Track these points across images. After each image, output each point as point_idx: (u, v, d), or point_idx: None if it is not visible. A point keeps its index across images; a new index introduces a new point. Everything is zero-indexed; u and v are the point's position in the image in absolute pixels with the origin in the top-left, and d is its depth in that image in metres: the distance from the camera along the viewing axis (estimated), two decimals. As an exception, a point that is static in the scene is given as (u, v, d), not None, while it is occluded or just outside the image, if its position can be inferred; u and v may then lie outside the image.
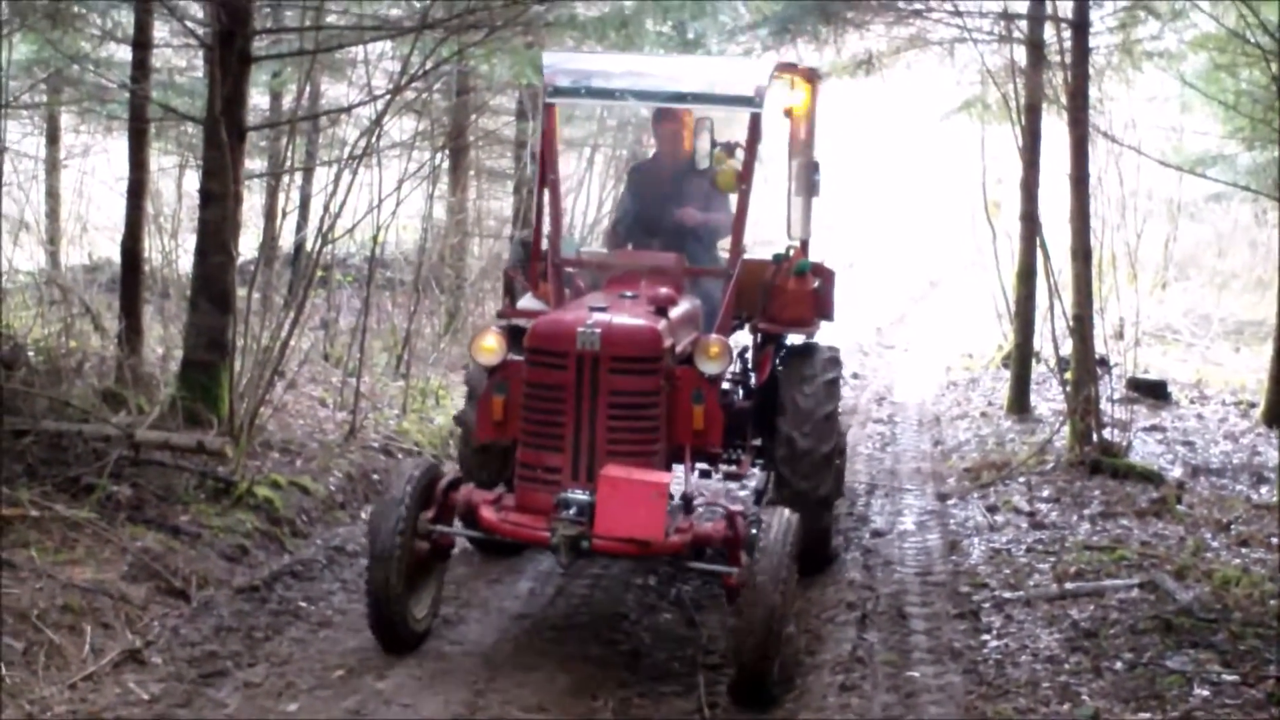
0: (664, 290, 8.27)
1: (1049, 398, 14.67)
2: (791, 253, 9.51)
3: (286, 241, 17.16)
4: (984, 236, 15.12)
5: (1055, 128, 13.26)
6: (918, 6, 13.08)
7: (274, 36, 12.63)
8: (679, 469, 8.03)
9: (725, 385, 8.92)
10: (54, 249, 17.79)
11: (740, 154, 8.76)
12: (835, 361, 9.31)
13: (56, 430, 9.15)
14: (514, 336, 8.10)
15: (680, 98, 8.74)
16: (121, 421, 9.52)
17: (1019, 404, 14.23)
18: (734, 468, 9.39)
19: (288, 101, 17.83)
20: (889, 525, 10.28)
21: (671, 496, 7.25)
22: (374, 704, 6.93)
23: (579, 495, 7.12)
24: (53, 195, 18.37)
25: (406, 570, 7.36)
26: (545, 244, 8.91)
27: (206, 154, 10.72)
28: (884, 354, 20.40)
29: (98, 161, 18.29)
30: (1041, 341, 14.78)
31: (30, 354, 10.12)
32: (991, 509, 10.49)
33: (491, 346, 7.88)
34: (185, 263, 14.25)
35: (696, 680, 7.44)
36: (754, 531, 7.16)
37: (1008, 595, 8.38)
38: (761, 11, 14.26)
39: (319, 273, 16.40)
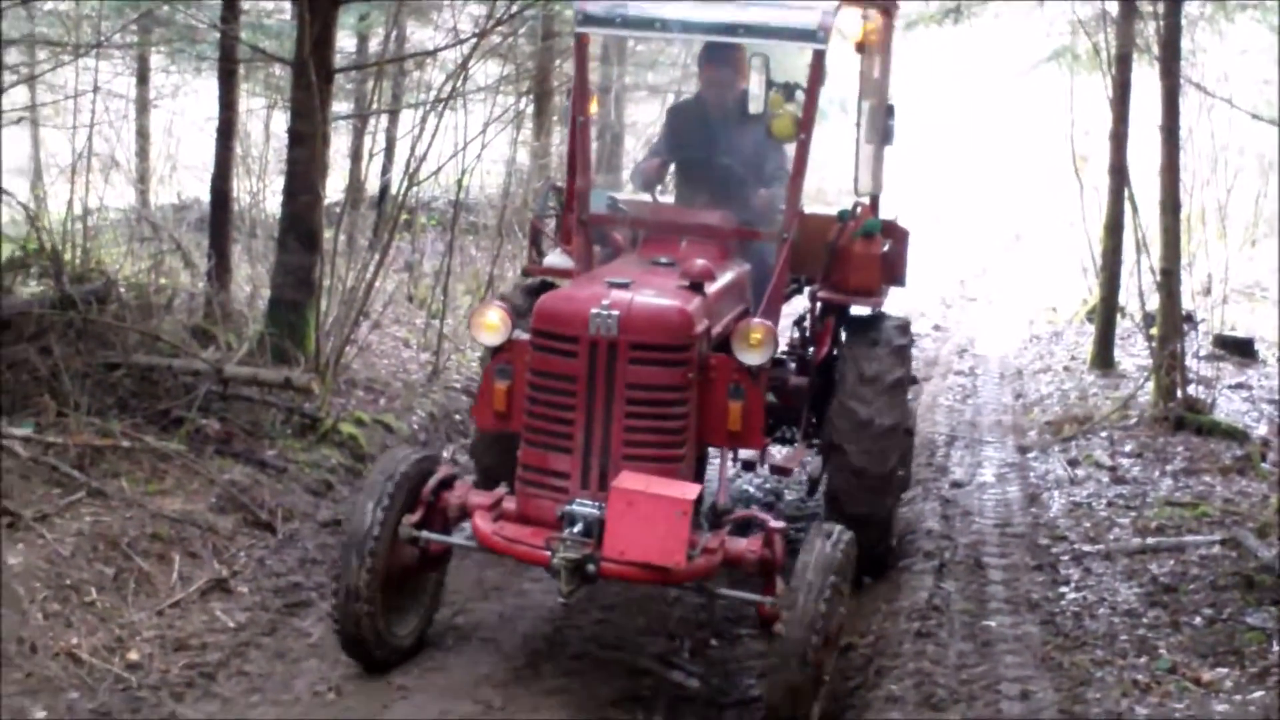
0: (700, 261, 6.93)
1: (1133, 353, 14.51)
2: (859, 210, 8.42)
3: (373, 184, 17.26)
4: (1071, 189, 14.93)
5: (1146, 79, 13.08)
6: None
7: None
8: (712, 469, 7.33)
9: (780, 356, 8.14)
10: (144, 188, 18.03)
11: (800, 97, 7.60)
12: (904, 330, 8.27)
13: (147, 364, 9.31)
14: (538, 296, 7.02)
15: (731, 29, 7.42)
16: (210, 357, 9.67)
17: (1103, 358, 14.08)
18: (781, 455, 8.35)
19: (375, 44, 17.94)
20: (968, 476, 10.24)
21: (700, 505, 6.20)
22: (449, 638, 7.06)
23: (587, 508, 6.11)
24: (143, 135, 18.59)
25: (386, 580, 6.43)
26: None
27: (295, 95, 10.82)
28: (966, 306, 20.24)
29: (187, 102, 18.48)
30: (1127, 296, 14.61)
31: (121, 289, 10.26)
32: (1072, 463, 10.42)
33: (494, 323, 6.76)
34: (272, 203, 14.45)
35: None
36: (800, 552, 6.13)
37: (1087, 548, 8.36)
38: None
39: (404, 216, 16.61)
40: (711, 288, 6.92)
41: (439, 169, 12.36)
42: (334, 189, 15.73)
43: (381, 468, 6.60)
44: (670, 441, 6.40)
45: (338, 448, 9.57)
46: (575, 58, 7.76)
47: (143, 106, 18.79)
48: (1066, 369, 14.45)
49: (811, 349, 8.44)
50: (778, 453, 8.50)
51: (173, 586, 7.29)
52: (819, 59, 7.19)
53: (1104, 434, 11.15)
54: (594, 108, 8.19)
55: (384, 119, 17.53)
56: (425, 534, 6.53)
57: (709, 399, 6.61)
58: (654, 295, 6.59)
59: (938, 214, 28.16)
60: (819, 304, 8.41)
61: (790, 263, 7.55)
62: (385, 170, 17.42)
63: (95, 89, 15.22)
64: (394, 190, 13.37)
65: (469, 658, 6.88)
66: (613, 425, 6.29)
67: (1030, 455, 10.87)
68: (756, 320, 6.71)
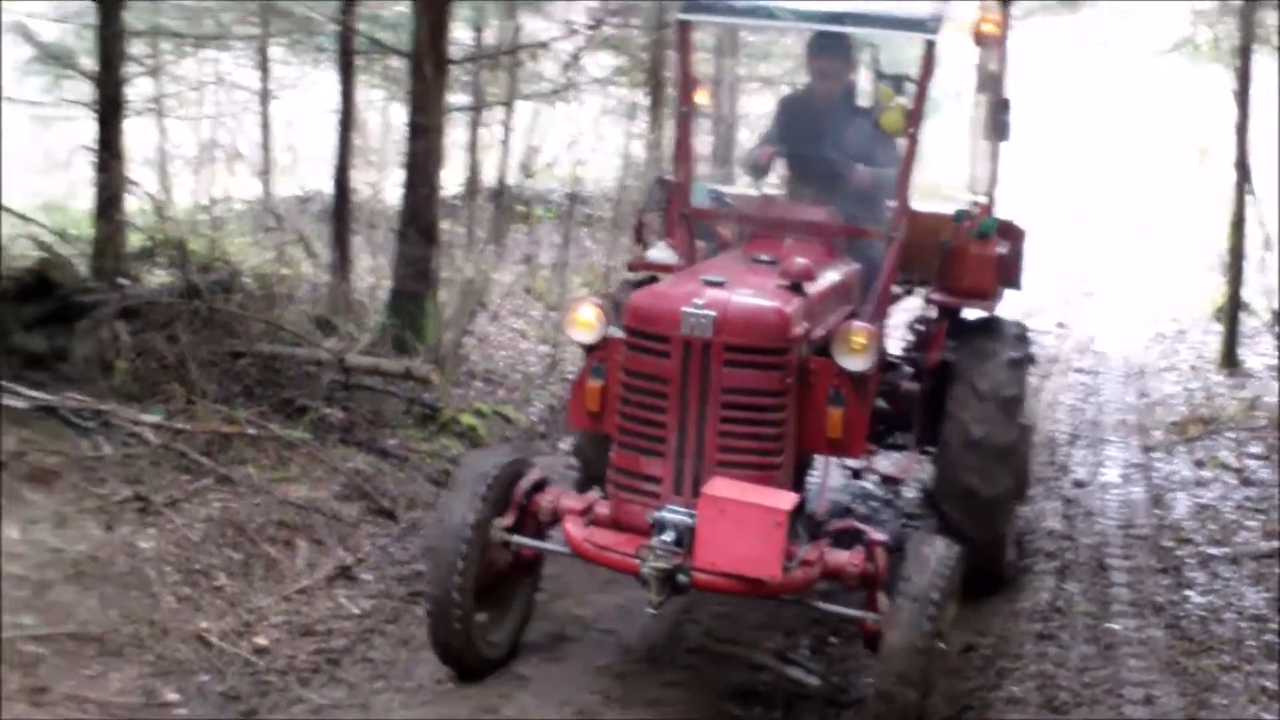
0: (800, 260, 6.50)
1: (1261, 352, 14.22)
2: (975, 209, 8.00)
3: (490, 176, 17.40)
4: (1195, 182, 14.66)
5: (1268, 70, 12.81)
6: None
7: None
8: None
9: (894, 359, 7.91)
10: (267, 179, 18.33)
11: (910, 90, 7.33)
12: (1022, 339, 7.90)
13: (271, 353, 9.45)
14: None
15: (839, 19, 7.22)
16: (333, 346, 9.79)
17: (1229, 358, 13.82)
18: (891, 464, 8.04)
19: (489, 36, 18.07)
20: (1090, 476, 10.10)
21: (800, 513, 5.96)
22: (572, 628, 7.09)
23: (678, 515, 5.83)
24: (265, 127, 18.89)
25: (476, 585, 6.22)
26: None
27: (413, 87, 10.91)
28: (1089, 302, 19.92)
29: (307, 94, 18.73)
30: (1255, 294, 14.34)
31: (246, 279, 10.43)
32: (1198, 464, 10.25)
33: (588, 320, 6.47)
34: (392, 195, 14.60)
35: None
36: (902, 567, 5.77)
37: (1213, 551, 8.22)
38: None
39: (520, 208, 16.74)
40: (813, 288, 6.57)
41: (552, 161, 12.41)
42: (453, 181, 15.88)
43: (471, 469, 6.38)
44: (766, 448, 6.07)
45: (457, 438, 9.66)
46: (678, 47, 7.59)
47: (264, 98, 19.12)
48: (1193, 368, 14.20)
49: (924, 353, 8.04)
50: (888, 460, 8.19)
51: (299, 573, 7.39)
52: (930, 50, 6.92)
53: (1230, 435, 10.95)
54: (703, 99, 8.01)
55: (500, 111, 17.68)
56: (517, 538, 6.33)
57: (808, 404, 6.28)
58: (751, 295, 6.24)
59: (1058, 208, 27.71)
60: (932, 306, 8.04)
61: (902, 263, 7.35)
62: (502, 162, 17.59)
63: (218, 80, 15.56)
64: (510, 182, 13.54)
65: (588, 648, 6.89)
66: (706, 429, 5.99)
67: (1155, 455, 10.69)
68: (858, 324, 6.30)
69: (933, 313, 8.00)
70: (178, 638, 6.43)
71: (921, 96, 7.04)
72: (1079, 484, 9.84)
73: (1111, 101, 31.39)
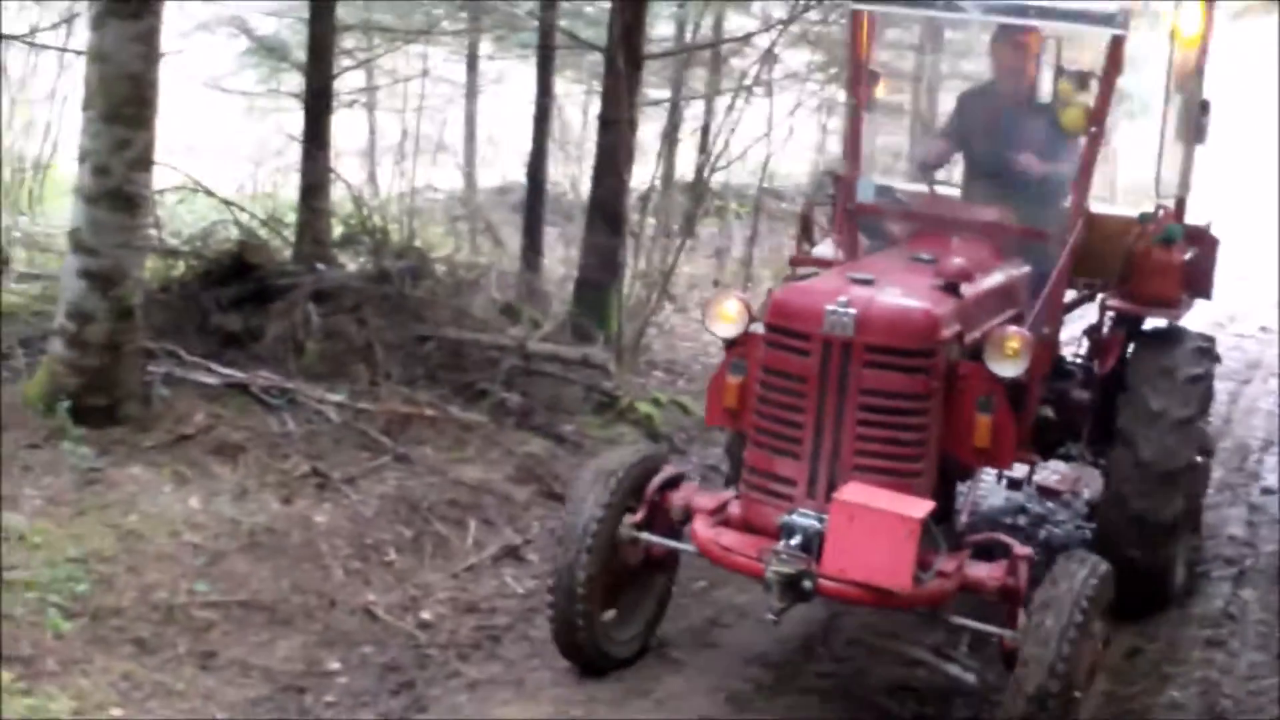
0: (957, 260, 6.30)
1: None
2: (1161, 213, 7.58)
3: (686, 169, 17.52)
4: None
5: None
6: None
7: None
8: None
9: (1068, 367, 7.61)
10: (469, 170, 18.76)
11: (1094, 87, 7.10)
12: (1205, 354, 7.38)
13: (456, 338, 9.70)
14: None
15: (1021, 11, 6.93)
16: (516, 333, 10.01)
17: None
18: (1054, 476, 7.64)
19: (693, 31, 18.20)
20: (1281, 484, 9.80)
21: (934, 524, 5.57)
22: (729, 615, 7.14)
23: (808, 520, 5.59)
24: (470, 119, 19.32)
25: (605, 582, 6.14)
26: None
27: (605, 81, 11.08)
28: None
29: (513, 87, 19.10)
30: None
31: (437, 266, 10.72)
32: (1405, 479, 9.86)
33: (730, 314, 6.28)
34: (586, 187, 14.83)
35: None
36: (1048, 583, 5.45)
37: None
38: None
39: (716, 202, 16.82)
40: (970, 289, 6.31)
41: (743, 153, 12.46)
42: (649, 174, 16.05)
43: (602, 463, 6.30)
44: (905, 454, 5.80)
45: (633, 425, 9.78)
46: (851, 38, 7.36)
47: (470, 92, 19.54)
48: (1406, 377, 13.61)
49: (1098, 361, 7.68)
50: (1051, 472, 7.77)
51: (467, 551, 7.57)
52: (1117, 46, 6.71)
53: None
54: (882, 93, 7.94)
55: (699, 106, 17.78)
56: (646, 535, 6.18)
57: (956, 411, 5.99)
58: (899, 294, 5.99)
59: (1268, 207, 26.76)
60: (1108, 313, 7.64)
61: (1082, 267, 7.14)
62: (699, 156, 17.71)
63: (424, 73, 15.99)
64: (703, 175, 13.63)
65: (745, 636, 6.93)
66: (844, 432, 5.73)
67: (1351, 466, 10.31)
68: (1013, 328, 6.07)
69: (1110, 319, 7.64)
70: (345, 609, 6.66)
71: (1106, 95, 6.86)
72: (1268, 490, 9.54)
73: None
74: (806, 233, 7.92)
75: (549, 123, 12.93)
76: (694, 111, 17.95)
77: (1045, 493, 7.66)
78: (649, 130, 15.86)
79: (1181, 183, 7.82)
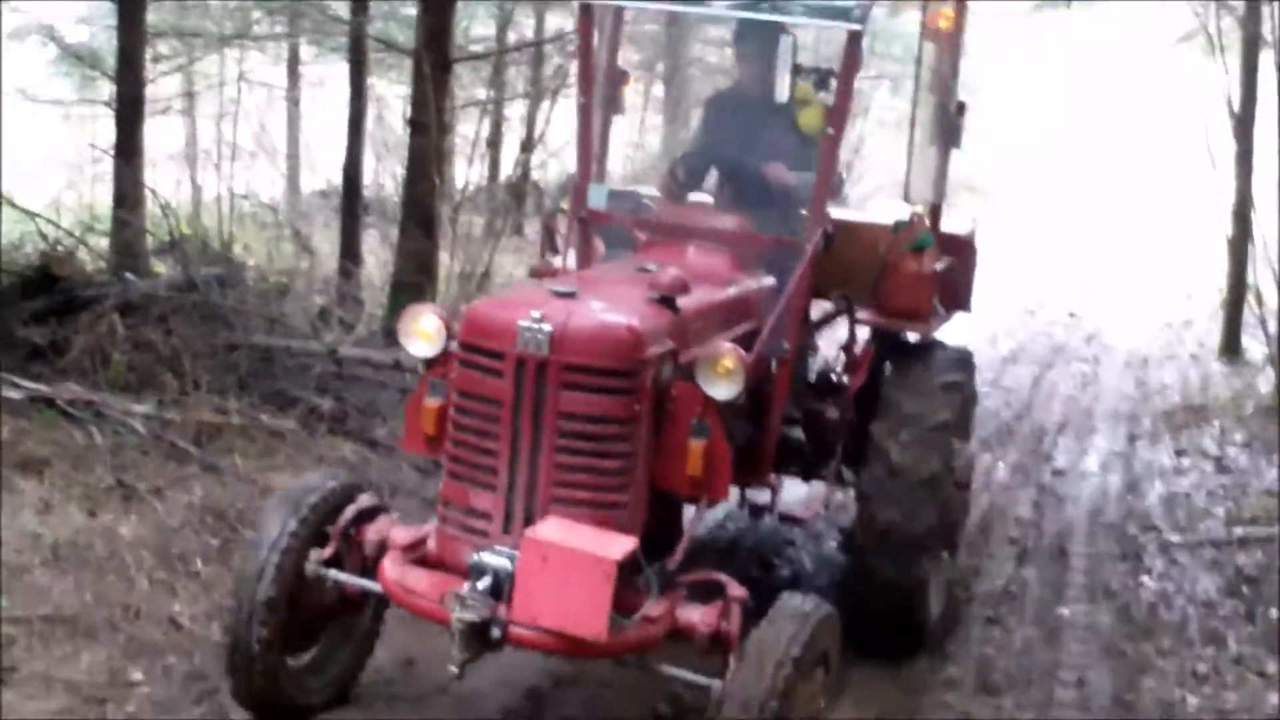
0: (672, 270, 5.78)
1: (1263, 341, 14.29)
2: (914, 221, 7.14)
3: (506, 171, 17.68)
4: (1201, 174, 14.72)
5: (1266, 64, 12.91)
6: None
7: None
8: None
9: (813, 380, 7.12)
10: (291, 175, 18.74)
11: (833, 87, 6.68)
12: (962, 363, 7.10)
13: (266, 345, 9.74)
14: None
15: (754, 6, 6.39)
16: (329, 339, 10.08)
17: (1230, 347, 13.94)
18: (798, 502, 7.25)
19: (514, 34, 18.39)
20: (1071, 464, 10.27)
21: (638, 562, 4.96)
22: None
23: (498, 560, 5.02)
24: (292, 123, 19.28)
25: (296, 624, 5.56)
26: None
27: (414, 85, 11.19)
28: (1103, 292, 20.00)
29: (333, 91, 19.10)
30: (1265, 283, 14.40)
31: (249, 274, 10.74)
32: (1179, 452, 10.41)
33: (426, 330, 5.59)
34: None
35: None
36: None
37: (1175, 539, 8.40)
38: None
39: (544, 199, 16.97)
40: (689, 302, 5.75)
41: (559, 150, 12.64)
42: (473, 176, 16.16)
43: (289, 493, 5.67)
44: (608, 484, 5.22)
45: (449, 428, 9.89)
46: (579, 31, 6.81)
47: (291, 96, 19.49)
48: (1193, 357, 14.33)
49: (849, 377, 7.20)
50: (795, 499, 7.37)
51: (275, 558, 7.63)
52: (854, 42, 6.23)
53: (1217, 423, 11.07)
54: (630, 93, 7.50)
55: (522, 106, 17.95)
56: (334, 573, 5.53)
57: (666, 436, 5.43)
58: (601, 308, 5.41)
59: (1073, 200, 27.83)
60: (854, 325, 7.21)
61: (835, 279, 6.77)
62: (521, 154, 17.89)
63: (240, 77, 15.93)
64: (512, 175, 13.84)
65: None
66: (541, 460, 5.15)
67: (1139, 444, 10.85)
68: (726, 345, 5.51)
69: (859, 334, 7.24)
70: (150, 620, 6.66)
71: (845, 93, 6.35)
72: (1058, 472, 10.01)
73: (1122, 94, 31.31)
74: (550, 242, 7.35)
75: (363, 126, 12.98)
76: (519, 110, 18.15)
77: (789, 520, 7.23)
78: (473, 130, 16.02)
79: (936, 188, 7.43)
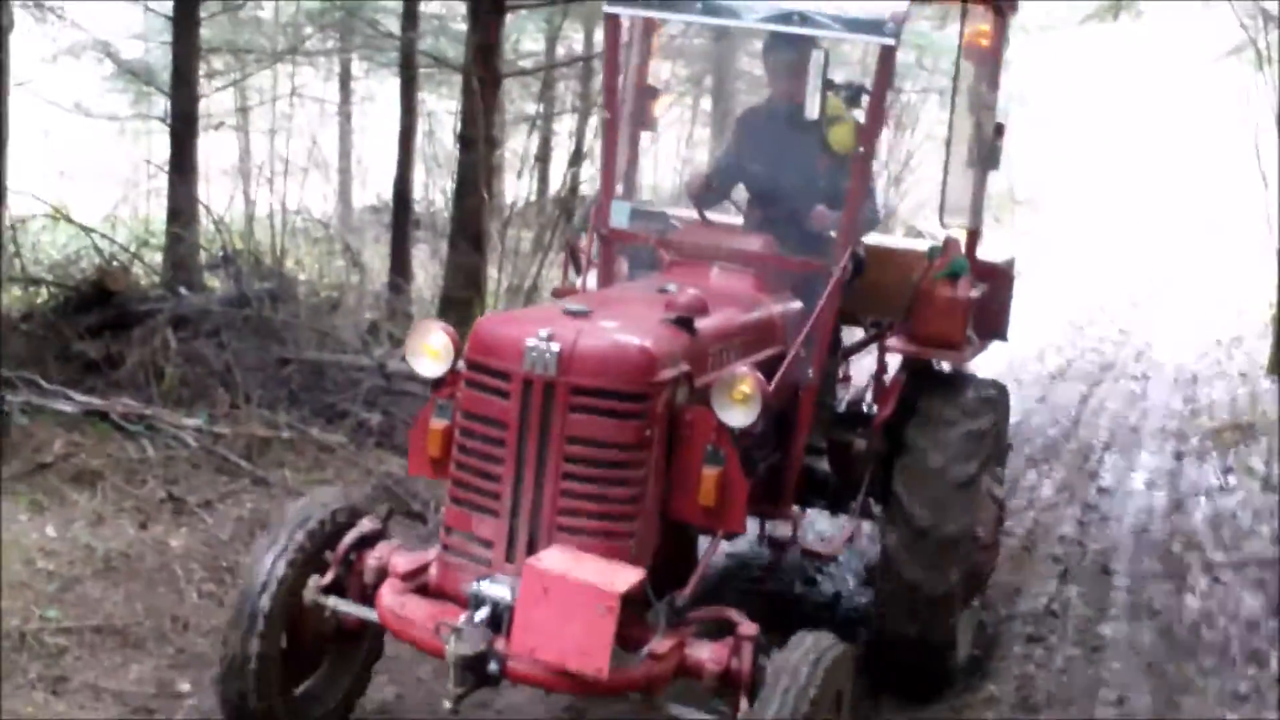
0: (692, 291, 5.57)
1: (1315, 358, 14.23)
2: (948, 246, 6.88)
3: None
4: (1249, 189, 14.69)
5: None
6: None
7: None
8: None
9: (838, 409, 6.94)
10: (344, 190, 18.92)
11: (865, 103, 6.56)
12: (992, 404, 6.69)
13: (317, 359, 9.87)
14: None
15: (784, 18, 6.07)
16: (378, 353, 10.19)
17: (1279, 364, 13.85)
18: (822, 537, 7.00)
19: (563, 48, 18.50)
20: (1117, 482, 10.25)
21: (645, 596, 4.82)
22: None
23: (498, 590, 4.84)
24: (344, 138, 19.47)
25: (295, 652, 5.44)
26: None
27: (463, 100, 11.30)
28: (1154, 308, 19.92)
29: (385, 106, 19.26)
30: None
31: (300, 288, 10.88)
32: (1226, 470, 10.38)
33: (434, 348, 5.39)
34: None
35: None
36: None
37: (1219, 557, 8.39)
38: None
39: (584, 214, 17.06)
40: (708, 324, 5.55)
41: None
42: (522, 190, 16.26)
43: (288, 516, 5.48)
44: (616, 512, 5.00)
45: (494, 442, 9.97)
46: (606, 44, 6.56)
47: (344, 111, 19.66)
48: (1243, 374, 14.26)
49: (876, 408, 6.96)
50: (818, 533, 7.25)
51: (323, 570, 7.74)
52: (888, 57, 6.05)
53: (1265, 441, 11.02)
54: (661, 109, 7.33)
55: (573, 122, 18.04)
56: (334, 601, 5.34)
57: (679, 463, 5.22)
58: (614, 328, 5.19)
59: (1121, 212, 27.70)
60: (884, 354, 7.12)
61: (869, 305, 6.71)
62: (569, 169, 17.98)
63: (293, 93, 16.11)
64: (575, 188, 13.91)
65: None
66: (546, 486, 4.95)
67: (1185, 462, 10.82)
68: (744, 368, 5.23)
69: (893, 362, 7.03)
70: (198, 632, 6.78)
71: (877, 110, 6.19)
72: (1103, 490, 10.00)
73: (1171, 106, 31.13)
74: (575, 262, 7.03)
75: (413, 142, 13.11)
76: (569, 125, 18.24)
77: (810, 555, 6.97)
78: (523, 145, 16.13)
79: (973, 212, 7.23)
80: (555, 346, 4.93)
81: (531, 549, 4.92)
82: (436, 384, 5.45)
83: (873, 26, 5.94)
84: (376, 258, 14.52)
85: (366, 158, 19.48)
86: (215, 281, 11.40)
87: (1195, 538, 8.79)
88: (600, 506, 4.98)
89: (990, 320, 7.19)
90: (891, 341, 6.80)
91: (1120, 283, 21.23)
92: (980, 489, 6.44)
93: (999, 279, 7.31)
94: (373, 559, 5.32)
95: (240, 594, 5.29)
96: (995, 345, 7.48)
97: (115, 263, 10.38)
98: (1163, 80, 28.19)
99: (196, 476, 8.19)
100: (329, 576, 5.34)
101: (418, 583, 5.18)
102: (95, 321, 9.54)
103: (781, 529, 6.89)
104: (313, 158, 17.28)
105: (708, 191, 7.00)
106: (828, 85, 6.61)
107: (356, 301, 11.66)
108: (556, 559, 4.73)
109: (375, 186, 19.09)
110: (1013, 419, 11.62)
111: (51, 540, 7.13)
